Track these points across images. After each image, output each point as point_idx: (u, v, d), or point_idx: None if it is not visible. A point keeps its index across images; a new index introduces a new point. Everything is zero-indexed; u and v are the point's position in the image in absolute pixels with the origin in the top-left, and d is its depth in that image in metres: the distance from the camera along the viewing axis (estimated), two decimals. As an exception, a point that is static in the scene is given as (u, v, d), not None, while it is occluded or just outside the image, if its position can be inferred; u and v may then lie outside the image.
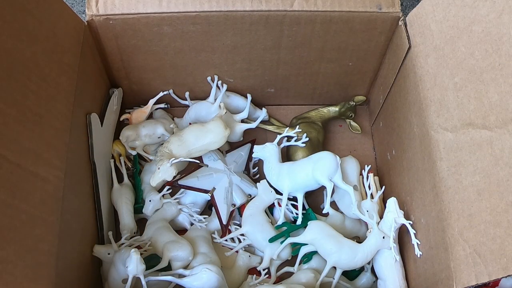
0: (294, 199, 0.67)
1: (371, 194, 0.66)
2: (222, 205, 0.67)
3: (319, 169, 0.64)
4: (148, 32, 0.63)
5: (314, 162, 0.65)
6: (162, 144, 0.67)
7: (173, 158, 0.63)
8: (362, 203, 0.65)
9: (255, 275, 0.65)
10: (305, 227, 0.64)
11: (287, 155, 0.74)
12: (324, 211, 0.66)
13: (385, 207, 0.64)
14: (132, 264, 0.55)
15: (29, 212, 0.45)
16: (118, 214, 0.67)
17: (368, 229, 0.66)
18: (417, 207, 0.61)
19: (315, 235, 0.63)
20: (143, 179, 0.70)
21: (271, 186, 0.68)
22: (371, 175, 0.68)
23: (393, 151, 0.69)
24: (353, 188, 0.65)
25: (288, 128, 0.75)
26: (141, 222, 0.68)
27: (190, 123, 0.72)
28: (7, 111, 0.44)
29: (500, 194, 0.44)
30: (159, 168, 0.63)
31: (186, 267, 0.61)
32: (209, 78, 0.73)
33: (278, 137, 0.69)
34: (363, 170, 0.68)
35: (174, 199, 0.68)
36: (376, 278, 0.65)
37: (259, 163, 0.75)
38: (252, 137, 0.76)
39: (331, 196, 0.65)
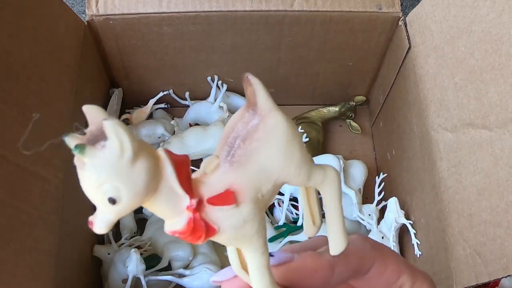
0: (294, 199, 0.67)
1: (378, 202, 0.66)
2: (222, 205, 0.67)
3: None
4: (148, 32, 0.63)
5: None
6: (162, 144, 0.67)
7: None
8: (364, 206, 0.65)
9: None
10: (305, 227, 0.64)
11: (287, 155, 0.74)
12: None
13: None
14: (132, 264, 0.55)
15: (29, 212, 0.45)
16: (118, 214, 0.67)
17: (367, 229, 0.66)
18: (417, 207, 0.61)
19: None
20: (143, 179, 0.70)
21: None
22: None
23: (393, 151, 0.69)
24: (358, 191, 0.65)
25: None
26: (141, 222, 0.68)
27: (190, 123, 0.72)
28: (7, 111, 0.44)
29: (500, 194, 0.44)
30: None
31: (186, 267, 0.61)
32: (209, 78, 0.73)
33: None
34: (376, 177, 0.68)
35: (174, 199, 0.68)
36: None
37: (259, 163, 0.75)
38: (252, 137, 0.76)
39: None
